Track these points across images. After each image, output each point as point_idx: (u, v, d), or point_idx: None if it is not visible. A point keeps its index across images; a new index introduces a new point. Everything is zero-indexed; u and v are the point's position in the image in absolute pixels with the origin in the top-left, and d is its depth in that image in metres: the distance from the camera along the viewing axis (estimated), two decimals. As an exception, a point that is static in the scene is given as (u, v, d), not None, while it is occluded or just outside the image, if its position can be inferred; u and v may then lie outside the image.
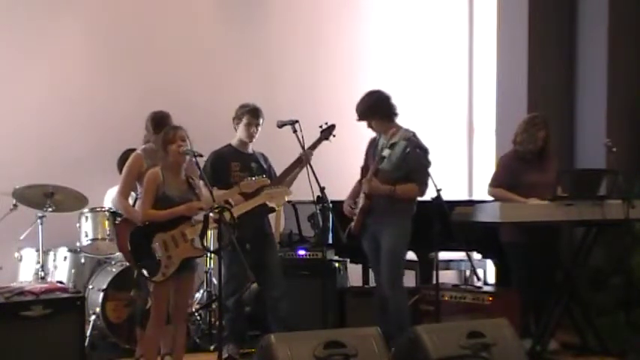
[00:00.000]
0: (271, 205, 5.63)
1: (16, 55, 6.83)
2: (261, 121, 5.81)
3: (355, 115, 5.59)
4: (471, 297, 5.80)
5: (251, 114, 5.77)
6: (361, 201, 5.53)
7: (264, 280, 5.75)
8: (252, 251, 5.60)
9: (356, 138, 5.86)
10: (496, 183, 5.92)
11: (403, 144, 5.36)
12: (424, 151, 5.37)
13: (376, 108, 5.54)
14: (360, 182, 5.68)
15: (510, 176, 5.87)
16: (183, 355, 5.05)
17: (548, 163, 5.93)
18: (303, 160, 5.55)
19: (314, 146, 5.69)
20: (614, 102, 7.10)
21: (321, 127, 5.78)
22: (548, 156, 5.96)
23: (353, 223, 5.57)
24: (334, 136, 5.79)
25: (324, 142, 5.80)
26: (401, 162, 5.39)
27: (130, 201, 5.50)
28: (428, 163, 5.37)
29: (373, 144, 5.68)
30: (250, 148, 5.90)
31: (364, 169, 5.72)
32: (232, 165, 5.75)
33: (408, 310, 5.60)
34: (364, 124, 5.61)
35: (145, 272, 4.78)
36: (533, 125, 5.91)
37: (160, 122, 5.32)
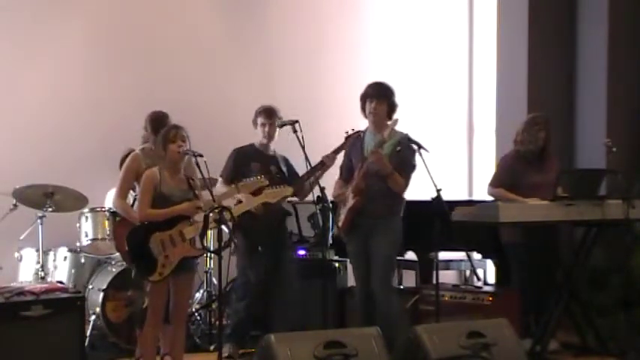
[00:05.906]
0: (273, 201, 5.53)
1: (17, 55, 6.81)
2: (275, 120, 5.77)
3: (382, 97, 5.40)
4: (471, 297, 5.81)
5: (264, 114, 5.79)
6: (350, 200, 5.36)
7: (277, 282, 5.77)
8: (267, 253, 5.67)
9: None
10: (496, 183, 5.93)
11: (395, 142, 5.27)
12: (414, 152, 5.21)
13: (393, 95, 5.44)
14: (341, 180, 5.56)
15: (511, 177, 5.87)
16: (182, 356, 5.04)
17: (549, 163, 5.93)
18: (325, 164, 5.57)
19: (337, 151, 5.66)
20: (614, 102, 7.11)
21: (347, 132, 5.66)
22: (549, 156, 5.96)
23: (340, 223, 5.42)
24: None
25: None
26: (391, 160, 5.24)
27: (130, 199, 5.51)
28: (415, 165, 5.27)
29: (357, 142, 5.49)
30: (272, 150, 5.89)
31: (343, 168, 5.60)
32: (252, 165, 5.72)
33: (399, 310, 5.53)
34: (363, 123, 5.58)
35: (141, 271, 4.77)
36: (533, 125, 5.91)
37: (158, 122, 5.34)
